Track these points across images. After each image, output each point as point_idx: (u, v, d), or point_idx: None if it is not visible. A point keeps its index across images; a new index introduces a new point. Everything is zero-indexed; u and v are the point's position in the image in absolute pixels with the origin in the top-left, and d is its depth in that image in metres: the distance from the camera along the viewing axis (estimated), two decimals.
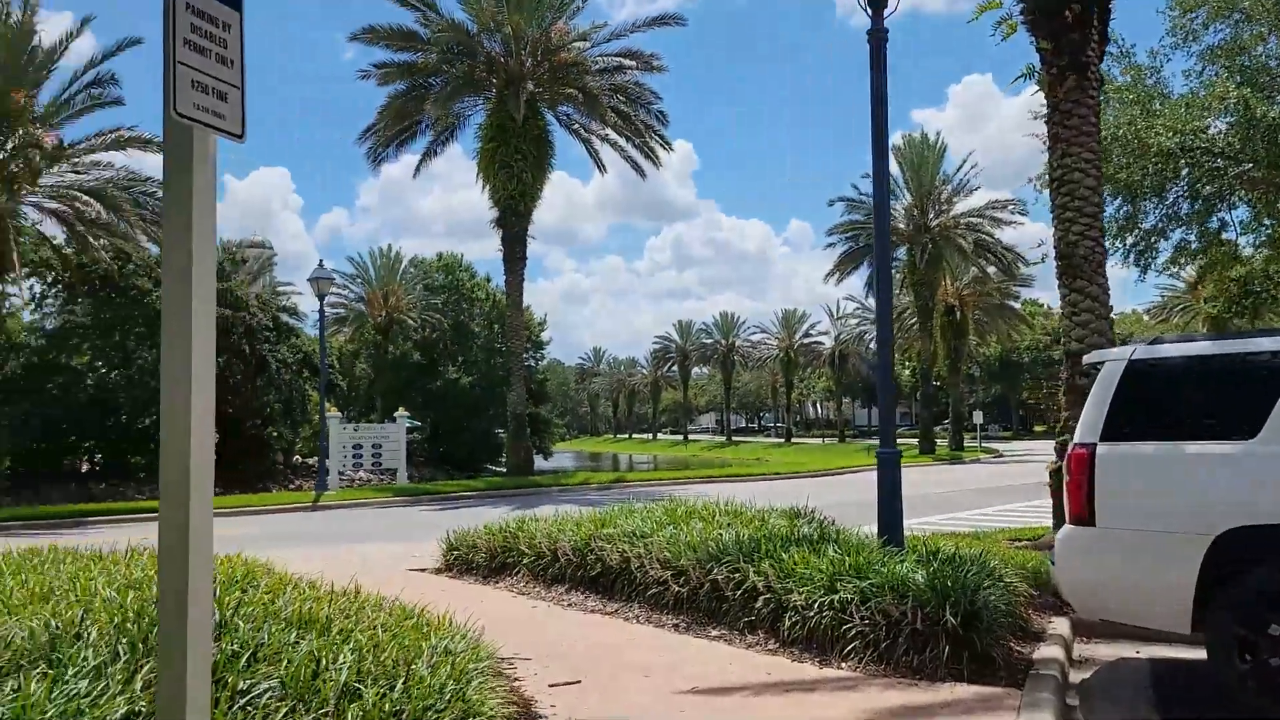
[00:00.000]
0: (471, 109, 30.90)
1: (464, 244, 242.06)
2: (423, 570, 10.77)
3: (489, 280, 54.16)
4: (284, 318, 43.36)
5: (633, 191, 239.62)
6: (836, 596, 6.68)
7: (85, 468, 40.52)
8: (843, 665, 6.40)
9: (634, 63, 30.30)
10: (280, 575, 7.28)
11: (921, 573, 6.70)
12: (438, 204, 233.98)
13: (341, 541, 14.72)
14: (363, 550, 13.01)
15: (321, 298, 24.84)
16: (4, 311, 21.74)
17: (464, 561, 10.32)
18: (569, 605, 8.61)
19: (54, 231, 24.70)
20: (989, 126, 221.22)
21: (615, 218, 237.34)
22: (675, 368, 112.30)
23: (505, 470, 32.95)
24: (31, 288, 37.33)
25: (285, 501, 21.95)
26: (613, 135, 31.20)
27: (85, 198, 21.36)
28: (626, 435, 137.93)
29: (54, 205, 22.74)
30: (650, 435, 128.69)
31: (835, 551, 7.46)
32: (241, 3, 3.77)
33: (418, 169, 30.96)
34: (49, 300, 38.75)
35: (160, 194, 23.52)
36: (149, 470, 40.03)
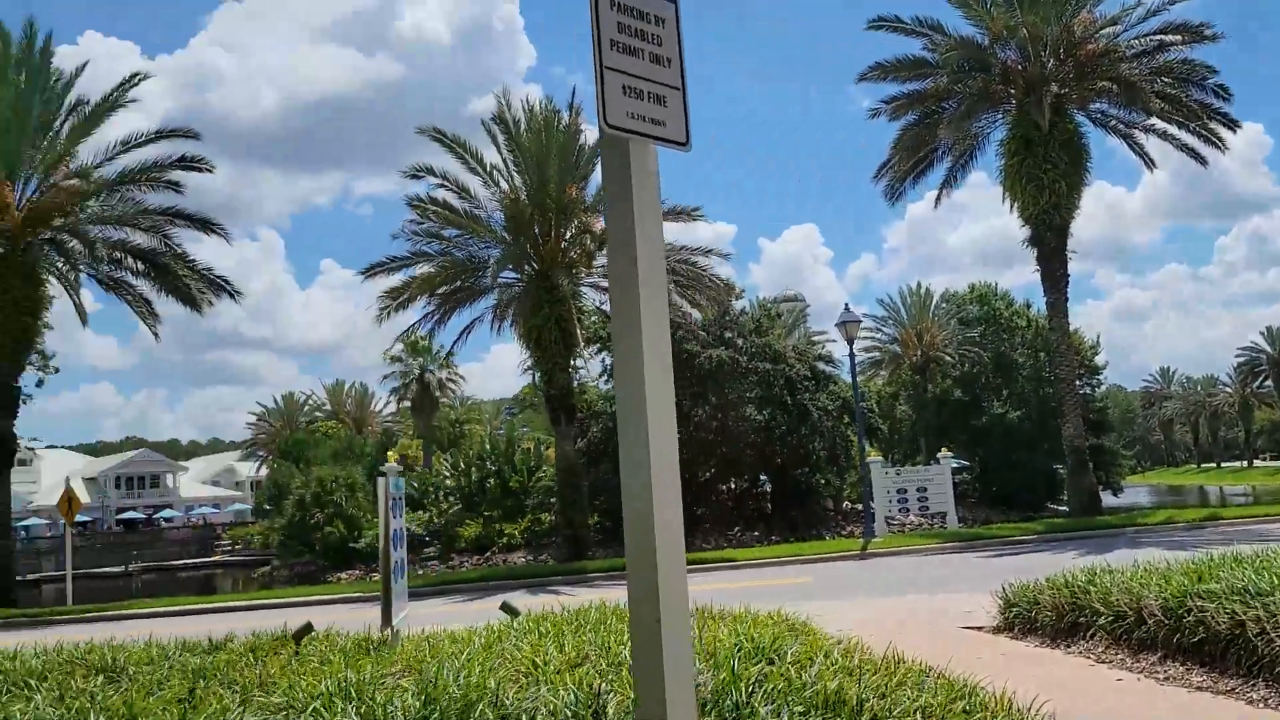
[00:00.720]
0: (989, 126, 29.12)
1: (996, 273, 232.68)
2: (979, 629, 9.59)
3: (1029, 306, 50.77)
4: (821, 366, 44.26)
5: (1188, 189, 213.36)
6: None
7: None
8: None
9: (1178, 37, 26.44)
10: (813, 639, 6.67)
11: None
12: (964, 236, 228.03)
13: (889, 592, 13.95)
14: (911, 603, 12.11)
15: (850, 341, 24.64)
16: (576, 384, 24.53)
17: (1025, 620, 8.98)
18: (1164, 679, 6.95)
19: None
20: None
21: (1170, 221, 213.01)
22: (1268, 382, 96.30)
23: (1066, 510, 29.90)
24: (603, 360, 42.28)
25: (832, 550, 21.76)
26: (1159, 124, 27.45)
27: None
28: (1213, 464, 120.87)
29: (606, 284, 25.34)
30: (1243, 462, 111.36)
31: None
32: None
33: (938, 199, 29.81)
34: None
35: (689, 259, 25.13)
36: (712, 522, 42.93)
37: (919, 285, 56.95)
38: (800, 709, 4.23)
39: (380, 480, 6.80)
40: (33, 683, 6.33)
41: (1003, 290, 51.49)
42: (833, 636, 7.85)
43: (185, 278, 21.71)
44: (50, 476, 74.77)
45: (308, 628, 7.45)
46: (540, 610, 9.13)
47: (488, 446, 46.17)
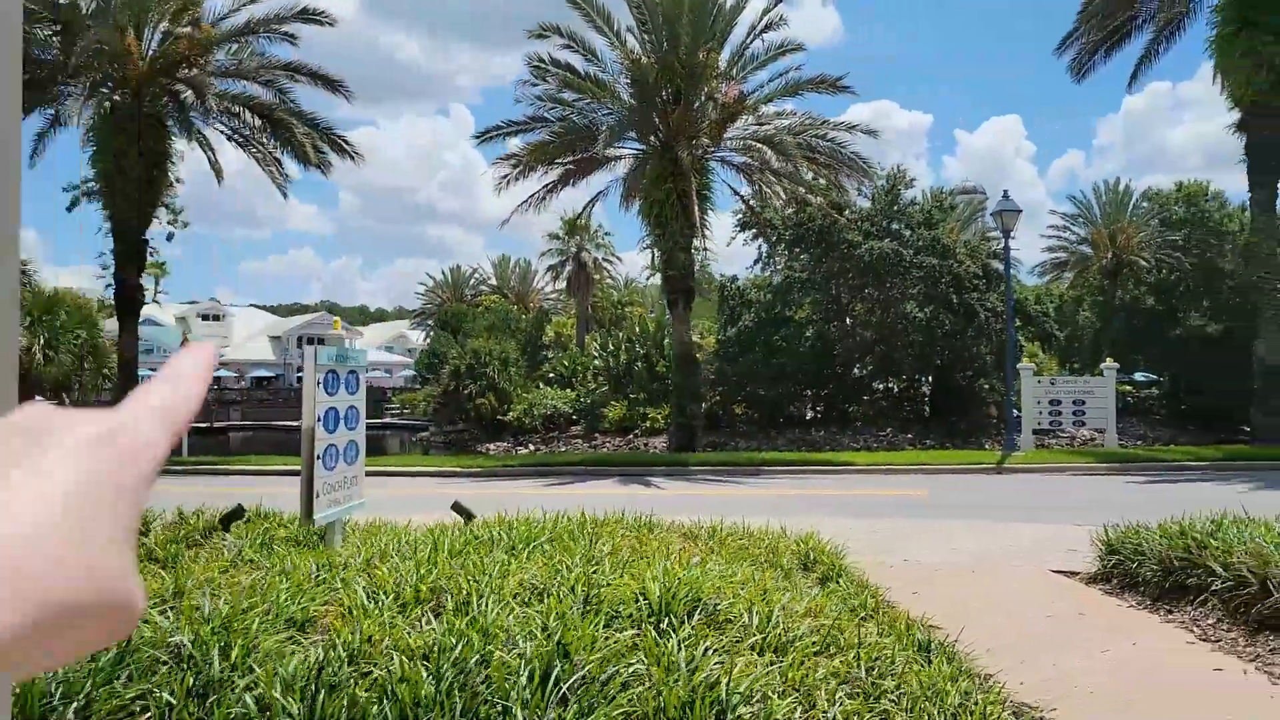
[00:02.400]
0: None
1: (1227, 175, 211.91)
2: (1072, 575, 7.89)
3: (1244, 210, 45.21)
4: (994, 264, 40.97)
5: None
6: None
7: (810, 415, 42.89)
8: None
9: None
10: (773, 587, 5.27)
11: None
12: (1188, 134, 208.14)
13: (1001, 515, 12.14)
14: (1016, 532, 10.34)
15: (1007, 234, 21.97)
16: (696, 266, 22.92)
17: (1126, 573, 7.24)
18: None
19: (745, 187, 25.24)
20: None
21: None
22: None
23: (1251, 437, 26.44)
24: (759, 247, 40.37)
25: (965, 461, 19.79)
26: None
27: (760, 147, 21.47)
28: None
29: (740, 160, 23.32)
30: None
31: None
32: None
33: (1133, 77, 25.89)
34: (774, 258, 41.49)
35: (830, 135, 22.84)
36: (865, 421, 41.00)
37: (1117, 181, 51.84)
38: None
39: (308, 350, 5.69)
40: None
41: (1215, 190, 45.82)
42: (859, 580, 6.45)
43: (301, 135, 21.28)
44: (241, 332, 79.56)
45: (238, 511, 6.60)
46: (595, 504, 8.03)
47: (637, 329, 45.44)
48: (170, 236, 31.85)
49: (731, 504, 14.01)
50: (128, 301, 22.24)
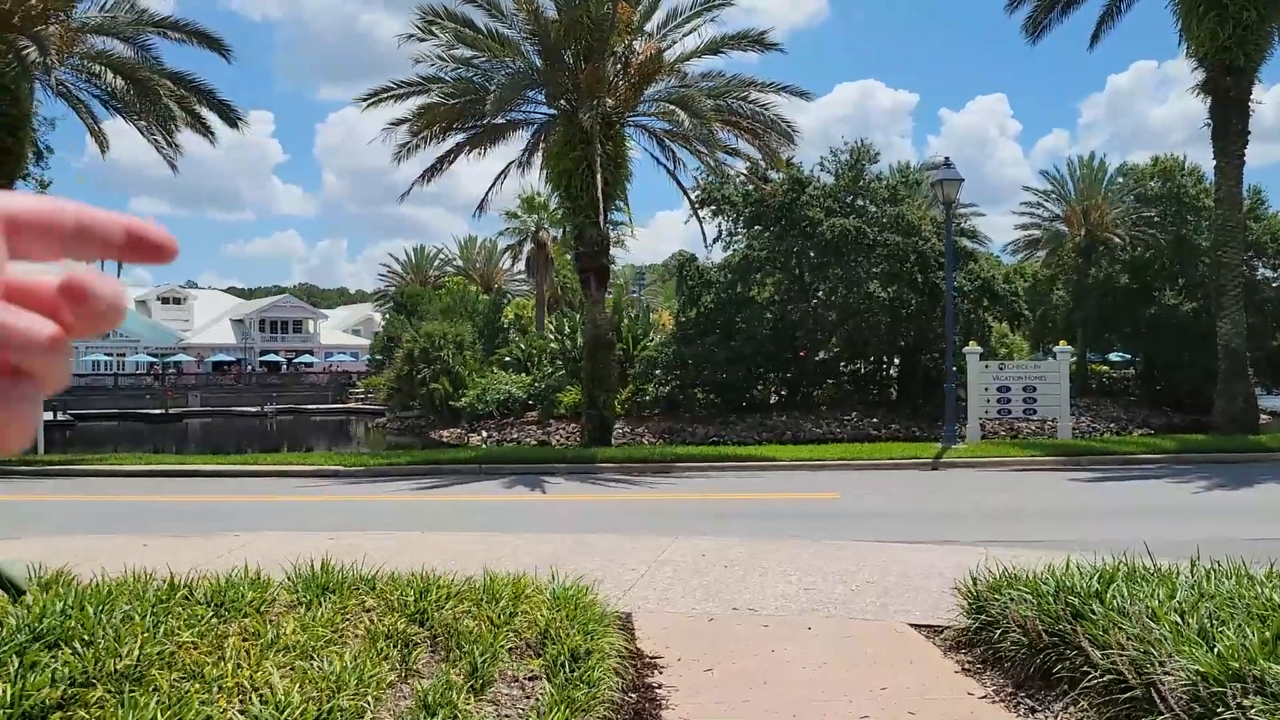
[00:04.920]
0: None
1: (1205, 151, 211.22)
2: (936, 631, 6.15)
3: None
4: (963, 242, 39.22)
5: None
6: None
7: (773, 399, 41.25)
8: None
9: None
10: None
11: None
12: (1171, 111, 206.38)
13: (903, 530, 10.31)
14: (904, 558, 8.49)
15: (948, 205, 20.14)
16: (610, 241, 20.88)
17: (989, 643, 5.48)
18: None
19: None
20: None
21: None
22: None
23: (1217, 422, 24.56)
24: (719, 226, 38.49)
25: (900, 455, 17.99)
26: None
27: (673, 109, 19.39)
28: None
29: (661, 125, 21.25)
30: None
31: None
32: None
33: (1095, 36, 23.97)
34: (737, 236, 39.66)
35: (753, 97, 20.90)
36: (830, 405, 39.34)
37: (1091, 156, 50.19)
38: None
39: None
40: None
41: (1192, 165, 43.99)
42: (619, 658, 4.73)
43: (168, 97, 19.07)
44: (203, 316, 77.40)
45: None
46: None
47: None
48: None
49: (615, 513, 12.32)
50: None
